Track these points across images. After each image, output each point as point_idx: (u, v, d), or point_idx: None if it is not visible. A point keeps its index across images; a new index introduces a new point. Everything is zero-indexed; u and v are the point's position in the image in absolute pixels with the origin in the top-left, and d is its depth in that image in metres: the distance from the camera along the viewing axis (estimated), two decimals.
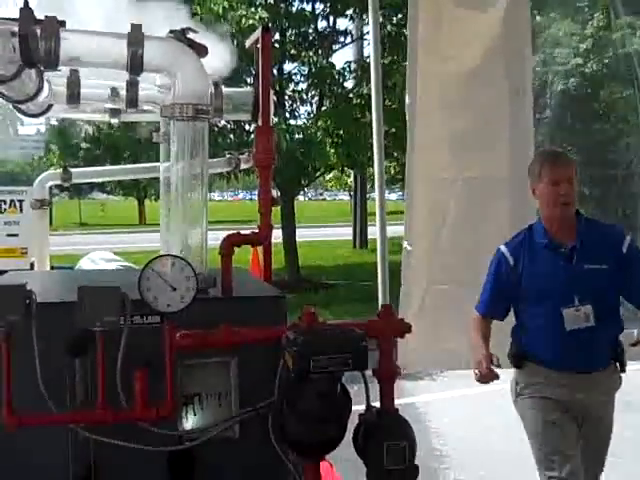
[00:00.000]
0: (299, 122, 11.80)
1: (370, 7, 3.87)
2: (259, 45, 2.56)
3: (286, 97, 11.45)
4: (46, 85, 2.55)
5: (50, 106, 2.89)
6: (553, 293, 2.50)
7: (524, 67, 3.62)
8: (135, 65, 2.02)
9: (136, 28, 2.01)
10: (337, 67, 11.37)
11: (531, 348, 2.56)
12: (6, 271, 2.93)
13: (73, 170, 4.74)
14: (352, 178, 20.27)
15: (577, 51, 10.42)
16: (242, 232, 2.40)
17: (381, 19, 8.66)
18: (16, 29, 1.93)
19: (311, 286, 11.35)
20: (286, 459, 1.93)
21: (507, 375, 2.62)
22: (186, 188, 2.10)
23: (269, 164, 2.56)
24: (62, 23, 1.97)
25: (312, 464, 1.86)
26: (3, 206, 5.40)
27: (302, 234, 13.84)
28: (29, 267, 4.88)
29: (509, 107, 3.55)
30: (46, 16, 1.95)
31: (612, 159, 9.84)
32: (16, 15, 1.94)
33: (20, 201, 5.37)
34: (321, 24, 11.67)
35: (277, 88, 10.71)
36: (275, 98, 2.96)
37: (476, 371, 2.49)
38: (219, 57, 2.50)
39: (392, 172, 14.98)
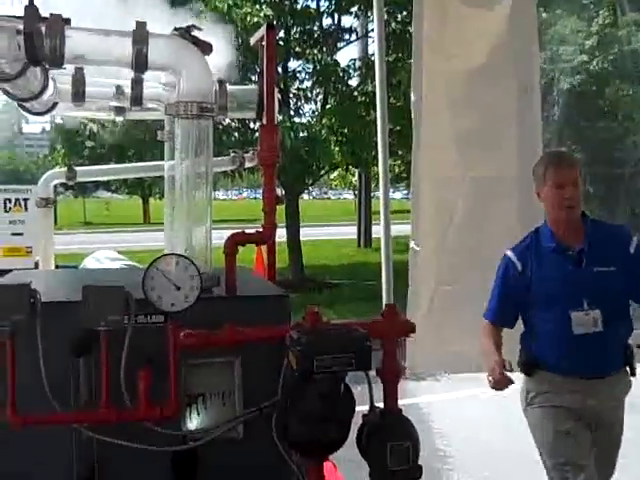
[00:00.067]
0: (303, 120, 11.81)
1: (375, 4, 3.86)
2: (264, 43, 2.55)
3: (291, 95, 11.45)
4: (51, 83, 2.54)
5: (55, 104, 2.88)
6: (562, 297, 2.46)
7: (531, 64, 3.59)
8: (140, 63, 2.02)
9: (141, 26, 2.00)
10: (342, 65, 11.35)
11: (541, 355, 2.52)
12: (10, 270, 2.93)
13: (78, 168, 4.73)
14: (356, 177, 20.24)
15: (583, 48, 10.36)
16: (246, 231, 2.39)
17: (386, 16, 8.67)
18: (21, 27, 1.92)
19: (315, 285, 11.34)
20: (290, 459, 1.92)
21: (518, 379, 2.58)
22: (190, 186, 2.09)
23: (273, 162, 2.55)
24: (67, 21, 1.96)
25: (315, 464, 1.85)
26: (8, 205, 5.39)
27: (306, 233, 13.82)
28: (34, 266, 4.88)
29: (516, 105, 3.52)
30: (51, 14, 1.94)
31: (619, 157, 9.77)
32: (21, 13, 1.93)
33: (25, 200, 5.36)
34: (326, 21, 11.69)
35: (282, 86, 10.70)
36: (279, 96, 2.96)
37: (490, 378, 2.44)
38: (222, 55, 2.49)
39: (397, 170, 14.92)
